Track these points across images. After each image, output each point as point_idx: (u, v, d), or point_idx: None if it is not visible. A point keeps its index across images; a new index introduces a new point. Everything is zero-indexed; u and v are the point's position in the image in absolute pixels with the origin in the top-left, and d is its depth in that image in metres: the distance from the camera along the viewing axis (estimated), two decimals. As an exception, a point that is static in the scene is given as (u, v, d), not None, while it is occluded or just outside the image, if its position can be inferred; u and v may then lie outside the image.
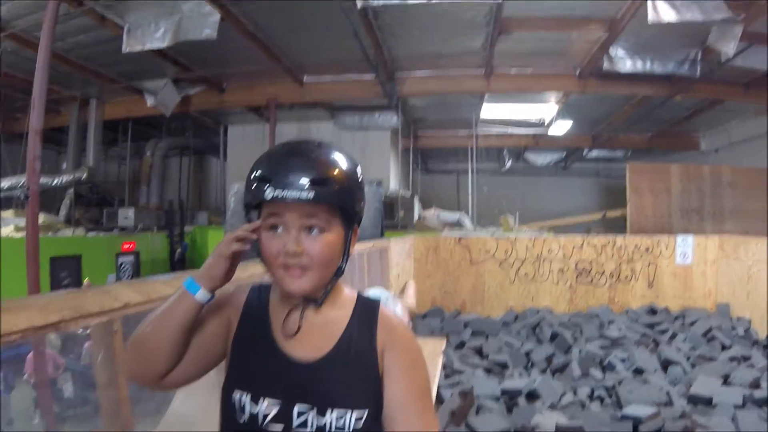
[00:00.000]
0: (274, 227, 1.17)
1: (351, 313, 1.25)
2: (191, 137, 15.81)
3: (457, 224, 13.78)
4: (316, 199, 1.13)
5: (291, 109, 12.20)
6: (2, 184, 11.59)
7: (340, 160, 1.19)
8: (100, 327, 1.93)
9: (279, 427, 1.15)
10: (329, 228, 1.17)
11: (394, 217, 13.17)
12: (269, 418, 1.15)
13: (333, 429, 1.14)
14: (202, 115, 13.70)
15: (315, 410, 1.15)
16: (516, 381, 6.12)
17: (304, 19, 8.07)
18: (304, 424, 1.15)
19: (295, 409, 1.15)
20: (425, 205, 14.80)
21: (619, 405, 5.51)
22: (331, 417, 1.14)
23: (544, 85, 10.43)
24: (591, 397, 5.85)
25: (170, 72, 10.64)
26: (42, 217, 8.33)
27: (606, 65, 8.97)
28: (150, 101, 11.37)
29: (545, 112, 12.49)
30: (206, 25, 7.57)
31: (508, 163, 16.67)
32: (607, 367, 6.64)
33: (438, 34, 8.57)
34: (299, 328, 1.20)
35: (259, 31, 8.58)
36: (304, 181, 1.12)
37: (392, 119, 12.67)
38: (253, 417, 1.16)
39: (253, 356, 1.21)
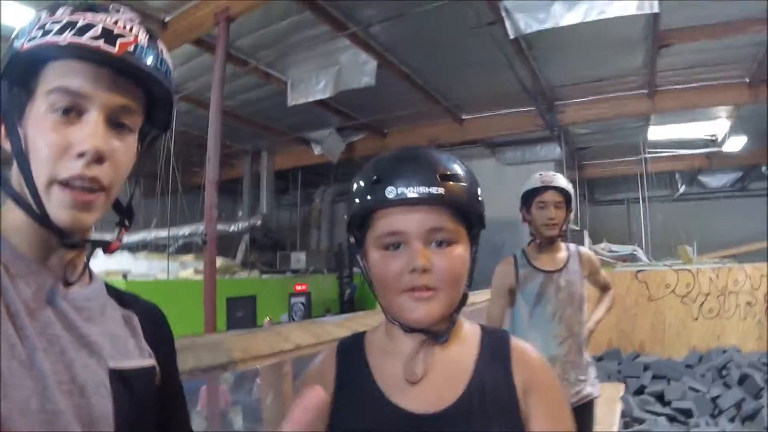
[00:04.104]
0: (390, 246, 0.97)
1: (478, 349, 1.03)
2: (358, 182, 16.35)
3: (631, 258, 12.99)
4: (448, 198, 0.95)
5: (452, 148, 12.25)
6: (183, 231, 12.66)
7: (460, 162, 1.02)
8: (270, 369, 1.91)
9: None
10: (457, 240, 0.97)
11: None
12: None
13: None
14: (367, 160, 14.03)
15: None
16: (702, 430, 5.57)
17: (458, 58, 8.09)
18: None
19: None
20: (595, 239, 14.10)
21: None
22: None
23: (712, 98, 9.49)
24: (785, 447, 5.19)
25: (334, 121, 11.13)
26: (220, 261, 8.92)
27: (774, 70, 8.04)
28: (317, 150, 12.00)
29: (717, 129, 11.50)
30: (364, 73, 7.84)
31: (682, 188, 15.49)
32: (803, 414, 5.80)
33: (595, 57, 8.21)
34: (424, 372, 0.99)
35: (415, 75, 8.73)
36: (432, 176, 0.95)
37: (555, 150, 12.29)
38: None
39: (357, 418, 0.99)
